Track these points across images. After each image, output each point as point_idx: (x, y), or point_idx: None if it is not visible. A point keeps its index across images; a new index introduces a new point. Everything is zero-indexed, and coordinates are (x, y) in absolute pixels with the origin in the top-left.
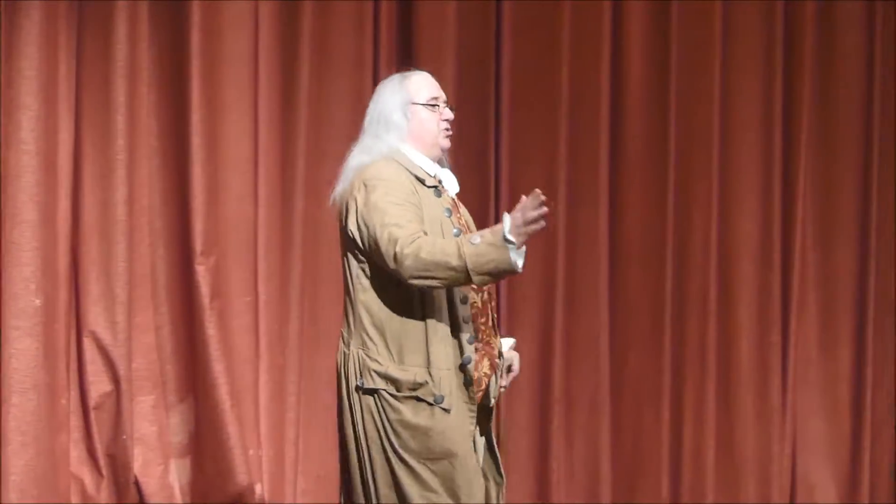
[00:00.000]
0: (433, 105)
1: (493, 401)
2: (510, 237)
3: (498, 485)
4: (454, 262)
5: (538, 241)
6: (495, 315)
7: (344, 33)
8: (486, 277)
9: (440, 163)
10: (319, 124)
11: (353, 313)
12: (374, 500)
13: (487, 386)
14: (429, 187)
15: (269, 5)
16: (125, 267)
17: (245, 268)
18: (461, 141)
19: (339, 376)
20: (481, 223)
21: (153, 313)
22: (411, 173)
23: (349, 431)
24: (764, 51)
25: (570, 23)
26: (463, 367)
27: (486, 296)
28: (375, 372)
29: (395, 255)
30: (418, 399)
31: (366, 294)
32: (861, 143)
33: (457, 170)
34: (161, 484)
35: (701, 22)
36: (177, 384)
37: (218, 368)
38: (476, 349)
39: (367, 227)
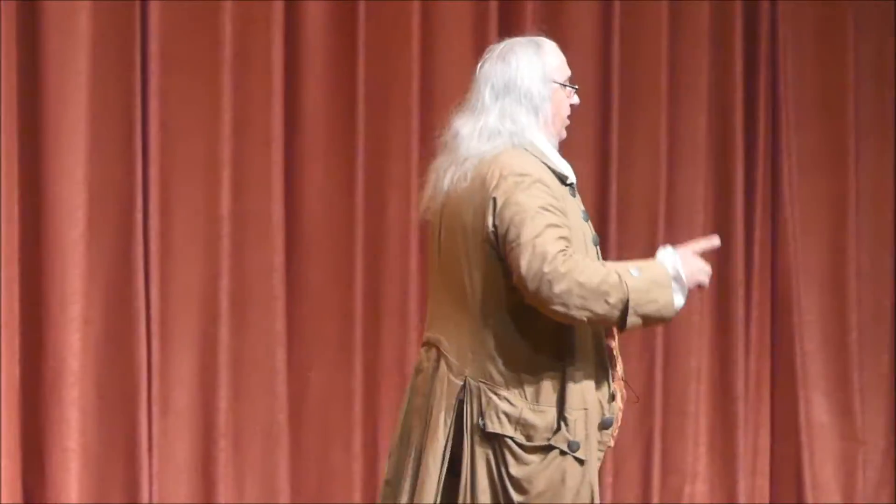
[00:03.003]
0: (569, 87)
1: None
2: (679, 276)
3: None
4: (614, 295)
5: (195, 237)
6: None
7: None
8: (640, 321)
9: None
10: None
11: (474, 334)
12: None
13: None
14: (566, 185)
15: None
16: None
17: None
18: (106, 121)
19: (441, 407)
20: (123, 215)
21: None
22: (550, 169)
23: (463, 481)
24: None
25: None
26: (606, 406)
27: None
28: (505, 414)
29: (542, 274)
30: (551, 447)
31: (499, 314)
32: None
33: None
34: None
35: None
36: None
37: None
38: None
39: (508, 233)
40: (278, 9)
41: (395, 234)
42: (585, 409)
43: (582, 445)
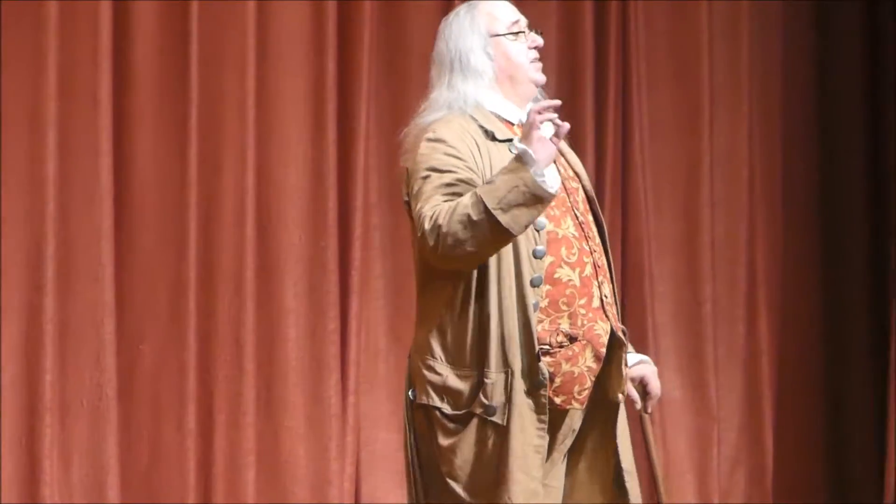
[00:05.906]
0: (516, 32)
1: (620, 397)
2: (526, 149)
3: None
4: (473, 211)
5: (18, 201)
6: (606, 293)
7: None
8: (517, 213)
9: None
10: None
11: (418, 309)
12: None
13: (599, 383)
14: (502, 141)
15: None
16: None
17: None
18: None
19: (405, 387)
20: None
21: None
22: (483, 128)
23: (406, 455)
24: None
25: None
26: (532, 368)
27: (589, 270)
28: (431, 384)
29: (424, 235)
30: (472, 414)
31: (425, 286)
32: None
33: None
34: None
35: None
36: None
37: None
38: (574, 338)
39: (409, 204)
40: None
41: (230, 200)
42: (506, 371)
43: (500, 410)
